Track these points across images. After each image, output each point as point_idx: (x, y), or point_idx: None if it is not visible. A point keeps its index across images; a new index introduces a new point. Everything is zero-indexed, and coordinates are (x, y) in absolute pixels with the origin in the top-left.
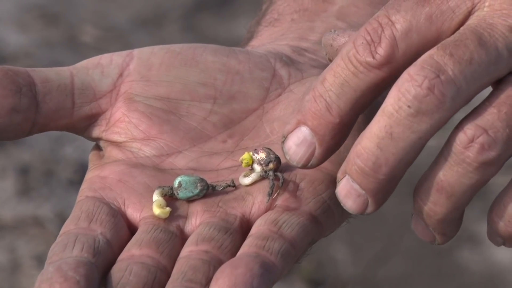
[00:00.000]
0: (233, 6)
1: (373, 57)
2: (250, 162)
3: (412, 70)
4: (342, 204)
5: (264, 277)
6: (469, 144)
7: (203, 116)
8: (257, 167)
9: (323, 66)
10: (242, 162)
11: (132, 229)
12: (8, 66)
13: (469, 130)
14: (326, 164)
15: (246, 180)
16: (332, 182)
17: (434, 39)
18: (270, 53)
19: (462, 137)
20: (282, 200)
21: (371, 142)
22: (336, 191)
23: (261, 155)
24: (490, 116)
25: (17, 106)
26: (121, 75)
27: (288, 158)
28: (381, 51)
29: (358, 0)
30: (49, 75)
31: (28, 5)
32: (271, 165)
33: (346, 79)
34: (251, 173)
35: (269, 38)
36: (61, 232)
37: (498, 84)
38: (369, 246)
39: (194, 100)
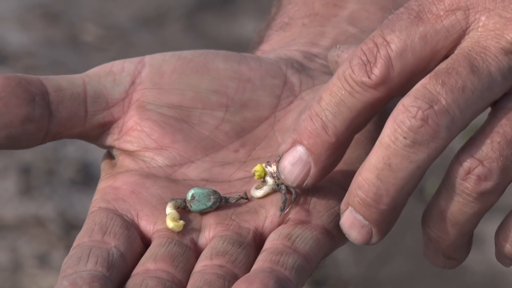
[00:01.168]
0: (235, 5)
1: (369, 77)
2: (263, 174)
3: (406, 101)
4: (347, 236)
5: None
6: (466, 176)
7: (215, 125)
8: (270, 180)
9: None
10: (254, 174)
11: (145, 241)
12: (21, 74)
13: (465, 162)
14: (339, 177)
15: (258, 193)
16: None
17: (429, 59)
18: (281, 59)
19: (459, 169)
20: (295, 213)
21: (371, 174)
22: (340, 222)
23: (274, 168)
24: (485, 147)
25: (30, 116)
26: (133, 83)
27: (283, 177)
28: (377, 71)
29: (369, 5)
30: (61, 83)
31: (30, 4)
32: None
33: (342, 99)
34: (263, 186)
35: (280, 43)
36: (74, 244)
37: (492, 110)
38: (371, 246)
39: (206, 108)
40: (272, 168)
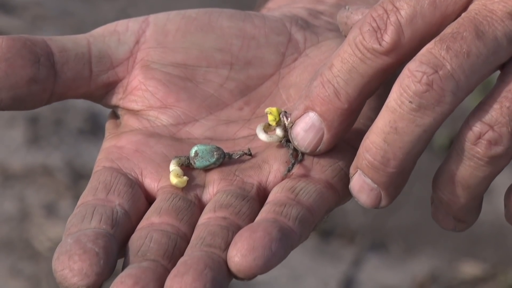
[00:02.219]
0: None
1: (380, 44)
2: (277, 119)
3: (411, 65)
4: (356, 199)
5: (283, 241)
6: (477, 141)
7: (220, 83)
8: (280, 133)
9: (339, 30)
10: (268, 114)
11: (149, 199)
12: (25, 35)
13: (475, 127)
14: None
15: (263, 137)
16: (349, 150)
17: (439, 24)
18: (285, 16)
19: (469, 135)
20: (298, 168)
21: (378, 137)
22: (349, 186)
23: (289, 122)
24: (494, 112)
25: (35, 76)
26: (137, 42)
27: (296, 144)
28: (387, 38)
29: None
30: (66, 44)
31: None
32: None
33: (354, 65)
34: (270, 131)
35: (285, 1)
36: (78, 203)
37: (501, 74)
38: None
39: (210, 66)
40: (287, 121)
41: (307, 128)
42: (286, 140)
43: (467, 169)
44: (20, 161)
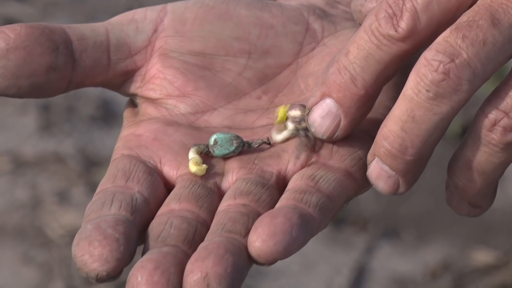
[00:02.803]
0: None
1: (396, 31)
2: (284, 118)
3: (428, 54)
4: (374, 186)
5: (303, 227)
6: (492, 127)
7: (238, 72)
8: (290, 125)
9: None
10: (277, 115)
11: (168, 187)
12: (44, 23)
13: (490, 114)
14: (362, 123)
15: (278, 137)
16: (367, 140)
17: (455, 9)
18: (303, 6)
19: (485, 121)
20: (318, 157)
21: (396, 125)
22: (367, 173)
23: (296, 113)
24: (509, 99)
25: (54, 64)
26: (155, 30)
27: (313, 130)
28: (403, 24)
29: None
30: (84, 32)
31: None
32: (303, 124)
33: (370, 52)
34: (283, 130)
35: None
36: (97, 190)
37: None
38: None
39: (228, 55)
40: (294, 113)
41: (324, 115)
42: (296, 129)
43: (482, 156)
44: (32, 148)
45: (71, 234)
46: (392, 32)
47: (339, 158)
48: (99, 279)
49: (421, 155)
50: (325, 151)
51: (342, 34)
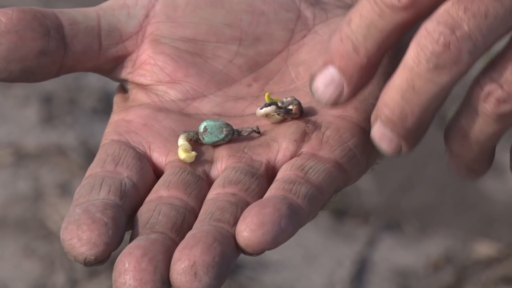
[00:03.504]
0: None
1: (398, 0)
2: (268, 101)
3: (429, 25)
4: (377, 147)
5: (292, 218)
6: (486, 98)
7: (229, 59)
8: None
9: (347, 6)
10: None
11: (157, 173)
12: (35, 7)
13: (485, 85)
14: (352, 113)
15: (260, 111)
16: (358, 131)
17: None
18: None
19: (479, 92)
20: (308, 147)
21: (396, 94)
22: (371, 134)
23: (286, 100)
24: (504, 71)
25: (45, 49)
26: (147, 16)
27: (316, 97)
28: None
29: None
30: (76, 16)
31: None
32: (290, 106)
33: (372, 21)
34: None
35: None
36: (86, 174)
37: None
38: (393, 175)
39: (219, 41)
40: (284, 99)
41: (327, 83)
42: (279, 107)
43: (476, 125)
44: (34, 140)
45: None
46: (394, 1)
47: (329, 149)
48: (87, 263)
49: (421, 122)
50: (314, 141)
51: (333, 21)
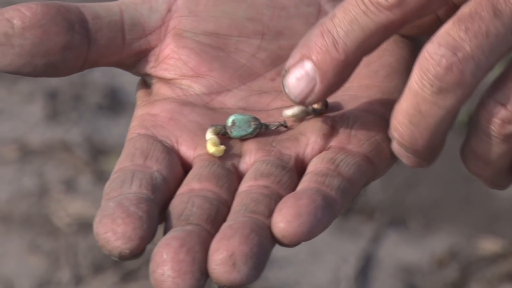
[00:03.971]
0: None
1: None
2: None
3: (430, 48)
4: (399, 159)
5: (327, 209)
6: (491, 119)
7: (252, 53)
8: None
9: None
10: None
11: (185, 167)
12: (59, 2)
13: (489, 106)
14: (378, 107)
15: (287, 112)
16: (385, 125)
17: None
18: None
19: (484, 113)
20: (336, 141)
21: (404, 118)
22: (391, 147)
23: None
24: (508, 91)
25: (70, 43)
26: (169, 10)
27: (287, 91)
28: None
29: None
30: (99, 11)
31: None
32: (316, 105)
33: (356, 17)
34: (294, 105)
35: None
36: (115, 168)
37: None
38: (398, 172)
39: (242, 36)
40: None
41: (299, 77)
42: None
43: (485, 146)
44: (39, 136)
45: (78, 222)
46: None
47: (357, 143)
48: (122, 257)
49: (432, 144)
50: (343, 135)
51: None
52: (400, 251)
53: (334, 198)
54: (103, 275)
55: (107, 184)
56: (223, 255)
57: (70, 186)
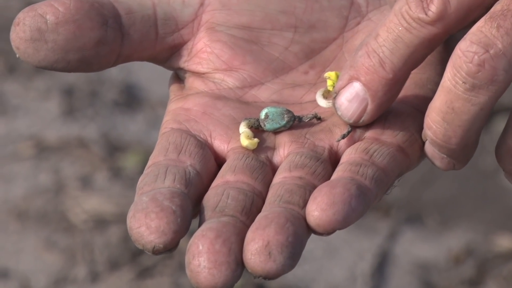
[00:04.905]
0: None
1: (426, 14)
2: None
3: (462, 45)
4: (431, 162)
5: (361, 198)
6: None
7: (285, 46)
8: None
9: None
10: (327, 79)
11: (218, 161)
12: None
13: None
14: (411, 98)
15: (323, 103)
16: (418, 116)
17: None
18: None
19: None
20: (370, 132)
21: (438, 116)
22: (424, 149)
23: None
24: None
25: (103, 38)
26: (202, 4)
27: (339, 114)
28: (433, 7)
29: None
30: (132, 5)
31: None
32: None
33: (400, 35)
34: (330, 97)
35: None
36: (149, 163)
37: None
38: (415, 169)
39: (275, 29)
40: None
41: (351, 98)
42: None
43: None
44: (55, 133)
45: (94, 219)
46: (422, 15)
47: (391, 133)
48: (156, 251)
49: (466, 142)
50: (377, 126)
51: (386, 8)
52: (416, 248)
53: (368, 187)
54: (119, 272)
55: (140, 178)
56: (259, 244)
57: (86, 182)
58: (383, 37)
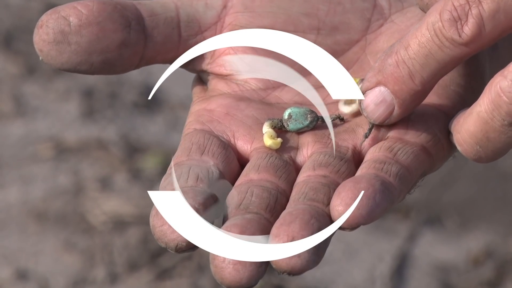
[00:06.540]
0: None
1: (460, 36)
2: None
3: (503, 85)
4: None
5: (385, 194)
6: None
7: None
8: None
9: None
10: None
11: (241, 161)
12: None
13: None
14: (435, 99)
15: (345, 109)
16: (442, 117)
17: None
18: None
19: None
20: (394, 132)
21: (470, 139)
22: (450, 138)
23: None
24: None
25: (126, 41)
26: (225, 6)
27: (365, 114)
28: (468, 30)
29: None
30: (155, 8)
31: None
32: None
33: (431, 51)
34: (352, 102)
35: None
36: (172, 163)
37: None
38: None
39: (298, 31)
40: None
41: (378, 102)
42: None
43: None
44: (74, 134)
45: (113, 220)
46: (455, 36)
47: (414, 133)
48: (179, 249)
49: (495, 157)
50: (400, 126)
51: (409, 10)
52: (435, 249)
53: (392, 183)
54: (138, 273)
55: (163, 178)
56: (283, 240)
57: (105, 184)
58: (414, 50)
